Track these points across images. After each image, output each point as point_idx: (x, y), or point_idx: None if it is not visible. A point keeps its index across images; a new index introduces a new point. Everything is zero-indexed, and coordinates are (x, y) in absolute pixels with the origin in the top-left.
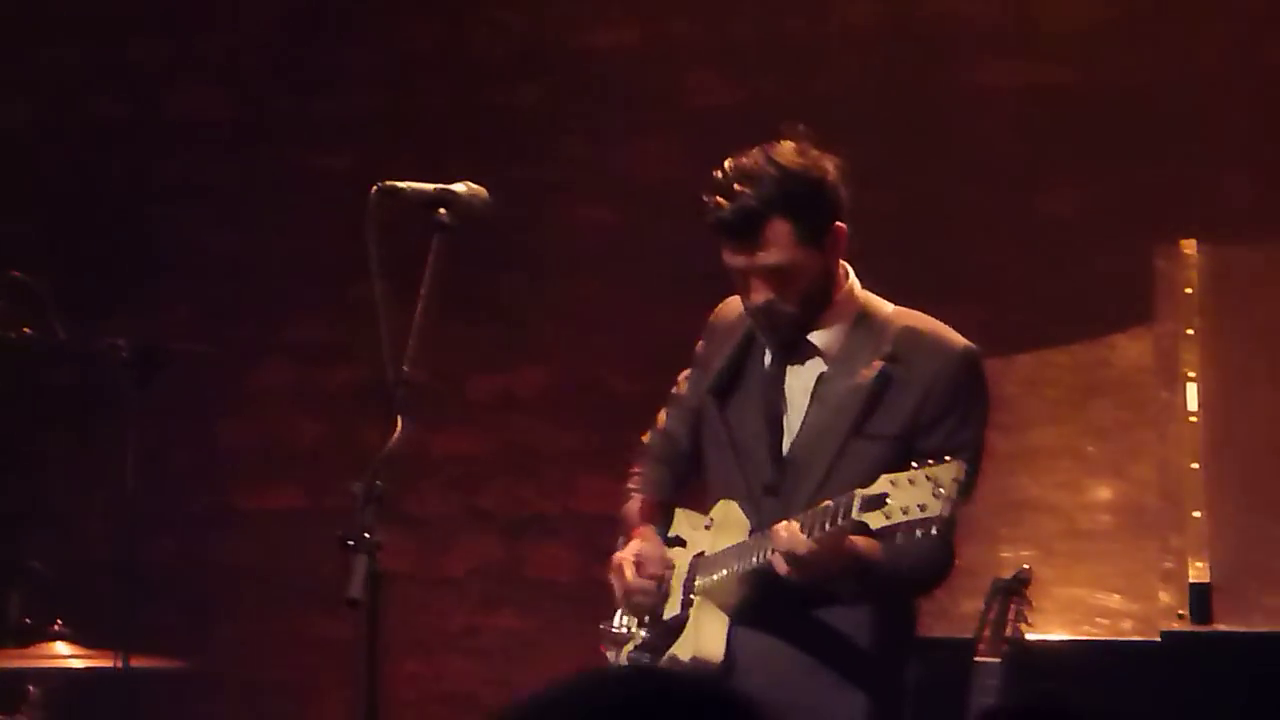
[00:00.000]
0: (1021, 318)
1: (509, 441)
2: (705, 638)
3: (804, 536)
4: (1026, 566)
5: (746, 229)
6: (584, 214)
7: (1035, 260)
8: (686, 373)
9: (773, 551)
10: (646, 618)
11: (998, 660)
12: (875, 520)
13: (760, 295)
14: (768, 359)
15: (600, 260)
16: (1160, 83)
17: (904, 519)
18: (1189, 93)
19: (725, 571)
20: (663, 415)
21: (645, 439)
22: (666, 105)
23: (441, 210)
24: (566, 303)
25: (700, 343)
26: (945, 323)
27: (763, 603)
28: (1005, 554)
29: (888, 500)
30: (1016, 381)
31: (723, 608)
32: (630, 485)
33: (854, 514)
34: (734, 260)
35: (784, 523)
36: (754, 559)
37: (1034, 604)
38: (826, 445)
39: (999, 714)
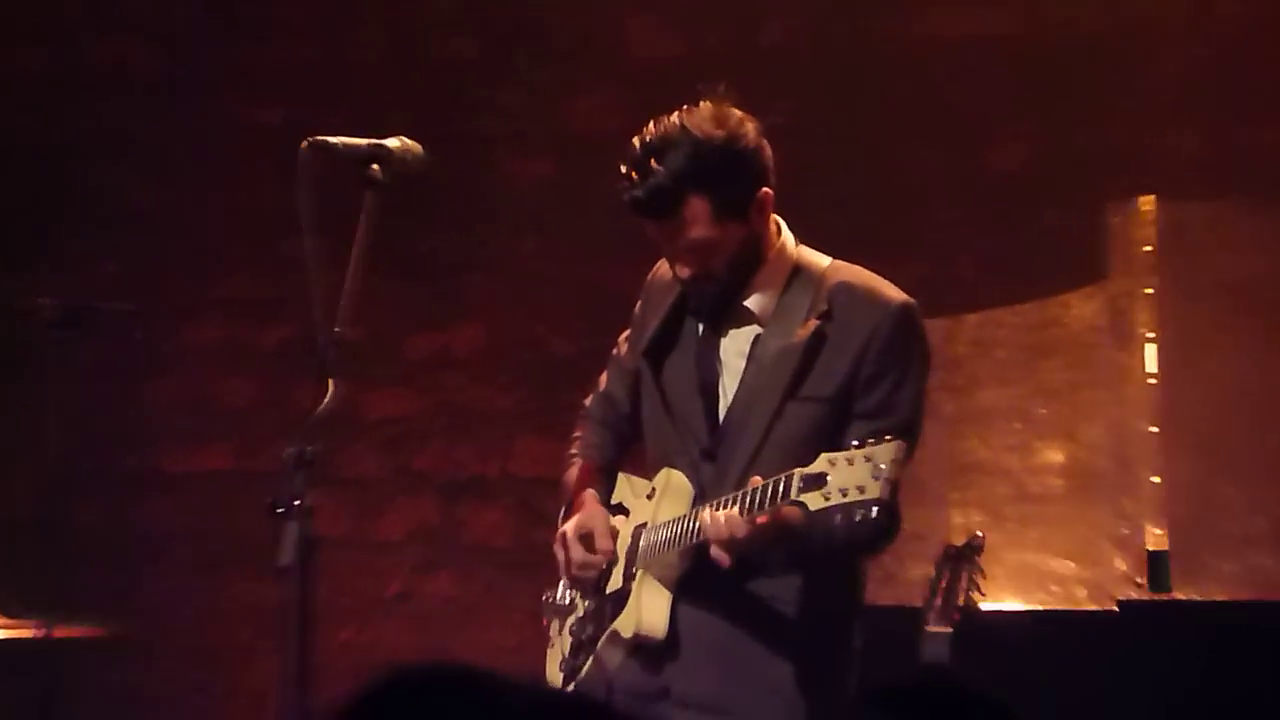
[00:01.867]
0: (970, 275)
1: (445, 402)
2: (648, 612)
3: (741, 521)
4: (979, 534)
5: (661, 208)
6: (523, 168)
7: (984, 216)
8: (626, 333)
9: (704, 539)
10: (590, 590)
11: (948, 630)
12: (814, 501)
13: (684, 270)
14: (700, 325)
15: (539, 215)
16: (1112, 34)
17: (842, 500)
18: (1142, 43)
19: (667, 545)
20: (604, 377)
21: (586, 402)
22: (607, 57)
23: (374, 166)
24: (505, 259)
25: (638, 304)
26: (890, 280)
27: (704, 576)
28: (956, 519)
29: (827, 480)
30: (965, 341)
31: (665, 582)
32: (571, 450)
33: (793, 494)
34: (655, 235)
35: (717, 511)
36: (696, 534)
37: (985, 571)
38: (762, 409)
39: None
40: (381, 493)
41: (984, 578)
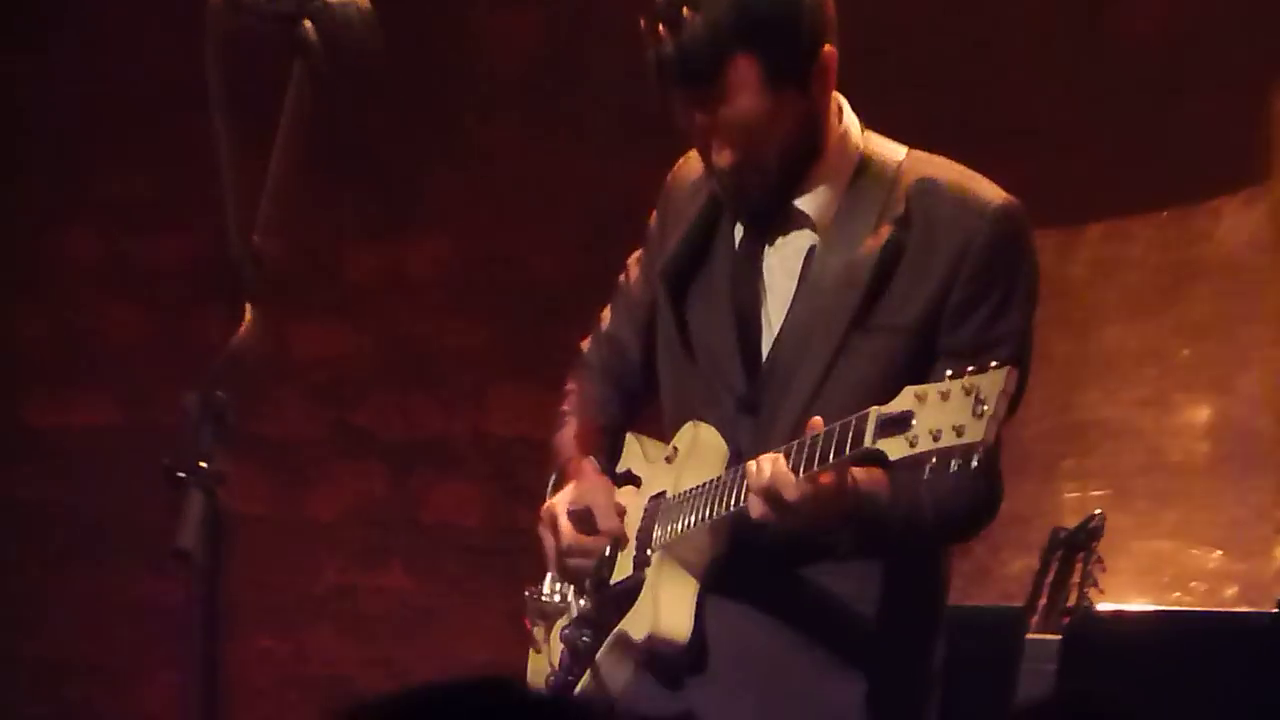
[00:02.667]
0: (1091, 174)
1: (396, 338)
2: (667, 609)
3: (790, 474)
4: (1098, 512)
5: (700, 73)
6: (497, 28)
7: (1110, 95)
8: (637, 255)
9: (747, 491)
10: (587, 583)
11: (1057, 638)
12: (895, 448)
13: (725, 156)
14: (739, 233)
15: (519, 93)
16: None
17: (934, 446)
18: None
19: (694, 519)
20: (606, 314)
21: (583, 347)
22: None
23: (306, 24)
24: (476, 151)
25: (654, 214)
26: (982, 175)
27: (744, 562)
28: (1069, 494)
29: (913, 421)
30: (1084, 261)
31: (690, 569)
32: (564, 407)
33: (867, 441)
34: (687, 114)
35: (765, 455)
36: (732, 501)
37: (1106, 563)
38: (820, 343)
39: (1039, 714)
40: (313, 457)
41: (1103, 571)
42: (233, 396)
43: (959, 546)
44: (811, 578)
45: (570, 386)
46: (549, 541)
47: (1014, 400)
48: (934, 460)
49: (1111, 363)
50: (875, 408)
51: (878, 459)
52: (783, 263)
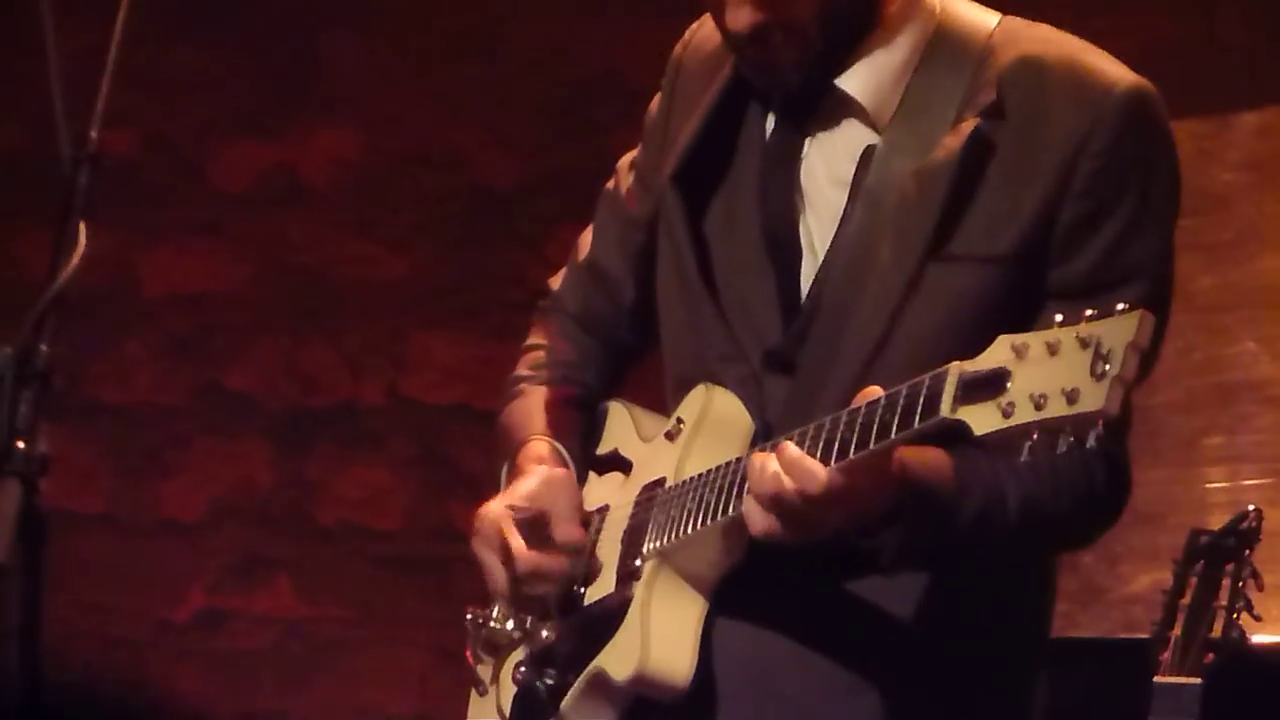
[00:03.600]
0: (1243, 42)
1: (286, 267)
2: (660, 640)
3: (813, 467)
4: (1251, 509)
5: None
6: None
7: None
8: (631, 156)
9: (748, 490)
10: (552, 604)
11: (1197, 681)
12: (983, 419)
13: (744, 14)
14: (769, 124)
15: None
16: None
17: (1036, 416)
18: None
19: (701, 517)
20: (586, 237)
21: (553, 284)
22: None
23: None
24: (387, 9)
25: (657, 99)
26: (1107, 53)
27: (766, 574)
28: (1213, 484)
29: (1009, 384)
30: (1235, 163)
31: (694, 584)
32: (520, 370)
33: (944, 409)
34: None
35: (770, 450)
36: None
37: (1264, 579)
38: (882, 278)
39: None
40: (172, 433)
41: (1260, 589)
42: (61, 349)
43: (1063, 558)
44: (860, 595)
45: (532, 340)
46: (489, 562)
47: (1149, 356)
48: (1034, 437)
49: (1271, 300)
50: (957, 363)
51: (960, 432)
52: (827, 163)
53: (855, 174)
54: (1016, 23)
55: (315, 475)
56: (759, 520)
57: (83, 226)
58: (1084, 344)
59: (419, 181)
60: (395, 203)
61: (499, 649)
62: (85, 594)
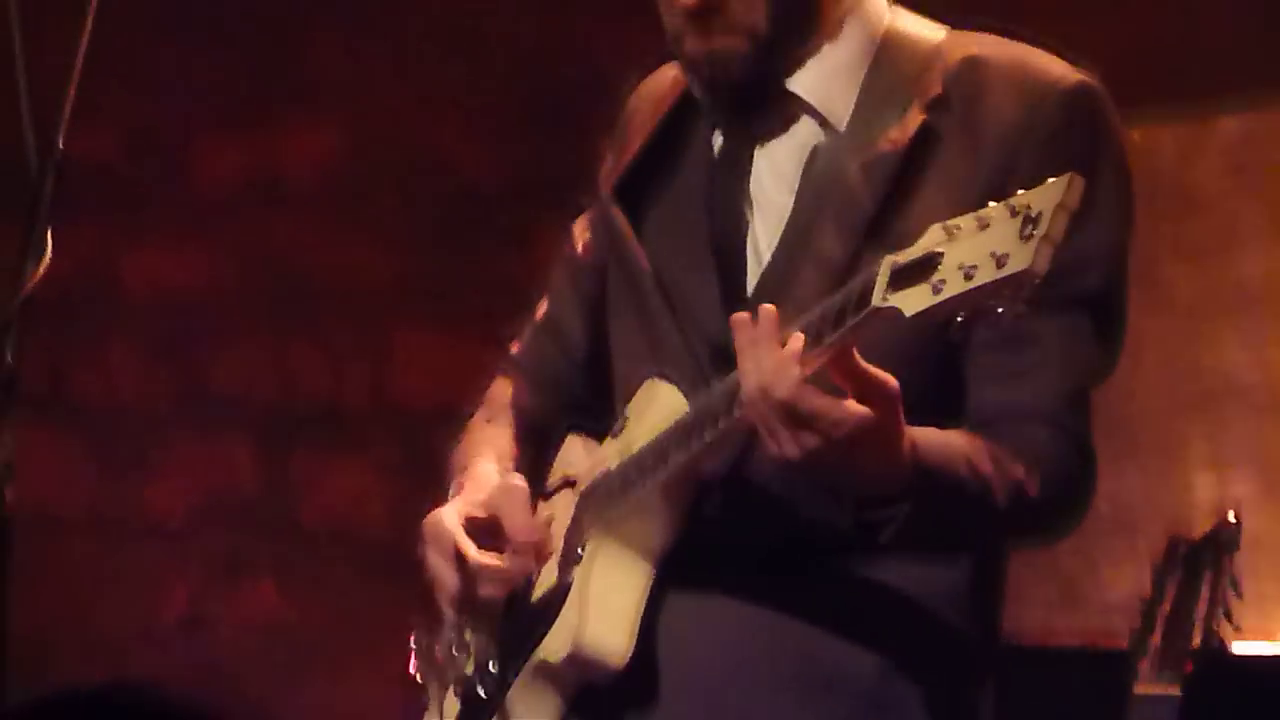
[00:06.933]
0: (1226, 45)
1: (270, 266)
2: (599, 610)
3: (796, 356)
4: (1233, 517)
5: None
6: None
7: None
8: (584, 218)
9: (738, 401)
10: (497, 612)
11: (1175, 692)
12: (915, 301)
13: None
14: (718, 139)
15: None
16: None
17: (966, 287)
18: None
19: (646, 482)
20: (543, 300)
21: (512, 349)
22: None
23: None
24: (370, 7)
25: (607, 157)
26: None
27: (717, 537)
28: (1195, 489)
29: (940, 261)
30: (1213, 168)
31: (637, 551)
32: (475, 419)
33: (876, 298)
34: None
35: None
36: (704, 434)
37: (1244, 586)
38: (821, 262)
39: None
40: (150, 434)
41: (1239, 597)
42: (29, 350)
43: (1041, 560)
44: (820, 568)
45: (488, 394)
46: (438, 566)
47: (1106, 359)
48: (967, 307)
49: (1253, 304)
50: (890, 256)
51: (894, 320)
52: (775, 168)
53: (802, 175)
54: (965, 34)
55: (299, 477)
56: (757, 404)
57: (49, 228)
58: (1013, 212)
59: (403, 182)
60: (379, 204)
61: (446, 662)
62: (67, 598)
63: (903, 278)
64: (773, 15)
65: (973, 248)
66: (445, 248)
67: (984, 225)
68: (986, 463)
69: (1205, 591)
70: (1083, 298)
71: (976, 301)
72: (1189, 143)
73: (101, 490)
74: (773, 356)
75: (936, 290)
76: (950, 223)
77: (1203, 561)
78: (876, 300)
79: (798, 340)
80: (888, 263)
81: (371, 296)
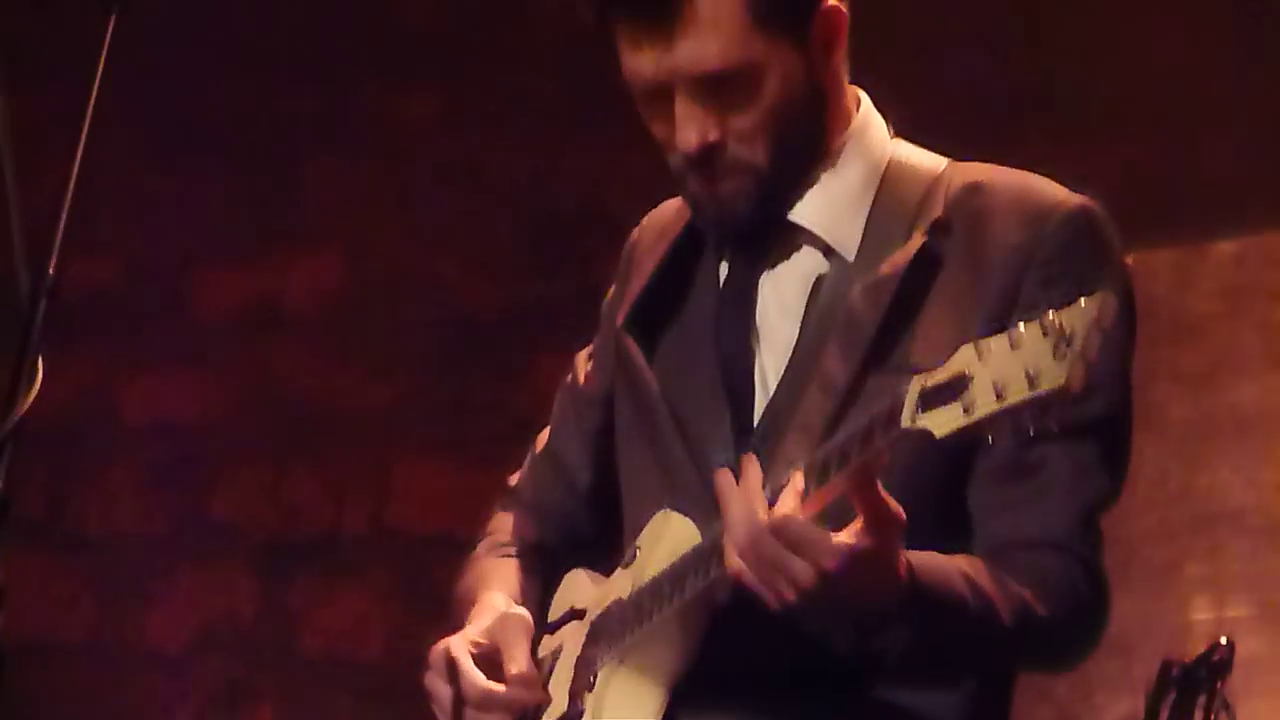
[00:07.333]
0: (1219, 169)
1: (270, 394)
2: None
3: (790, 495)
4: (1226, 642)
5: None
6: None
7: (1248, 65)
8: (587, 351)
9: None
10: None
11: None
12: (946, 421)
13: (691, 131)
14: (724, 269)
15: (437, 53)
16: None
17: (998, 406)
18: None
19: (658, 610)
20: (544, 432)
21: (511, 481)
22: None
23: None
24: (381, 132)
25: (611, 289)
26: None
27: (726, 662)
28: (1196, 613)
29: (970, 382)
30: (1209, 292)
31: (652, 678)
32: (478, 552)
33: (905, 419)
34: (638, 63)
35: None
36: (712, 571)
37: (1236, 710)
38: (824, 386)
39: None
40: (152, 562)
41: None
42: (26, 479)
43: (1036, 683)
44: (834, 699)
45: (489, 527)
46: (440, 693)
47: (1113, 484)
48: (998, 428)
49: (1247, 430)
50: (919, 375)
51: (924, 441)
52: (780, 298)
53: (807, 302)
54: (966, 163)
55: (298, 605)
56: (731, 555)
57: (40, 358)
58: (1045, 331)
59: (401, 310)
60: (377, 331)
61: None
62: None
63: (932, 398)
64: (773, 152)
65: (1004, 367)
66: (443, 376)
67: (1015, 345)
68: (989, 583)
69: (1199, 715)
70: (1089, 423)
71: (1008, 421)
72: (1184, 268)
73: (101, 618)
74: (749, 517)
75: (967, 411)
76: (981, 342)
77: (1196, 685)
78: (906, 422)
79: (797, 481)
80: (917, 383)
81: (370, 424)
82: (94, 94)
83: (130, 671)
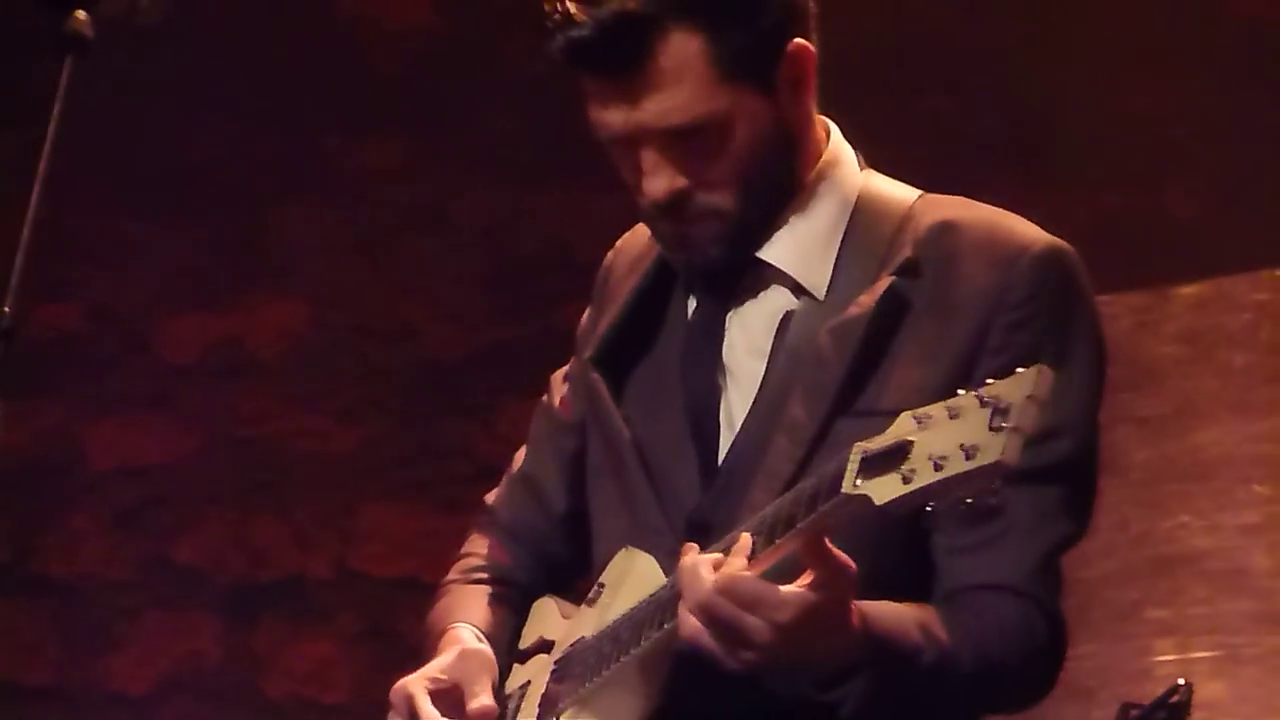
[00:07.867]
0: (1184, 218)
1: (235, 440)
2: None
3: (736, 560)
4: (1181, 682)
5: (622, 54)
6: (372, 12)
7: (1213, 109)
8: (563, 370)
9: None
10: None
11: None
12: (886, 490)
13: (660, 180)
14: (692, 303)
15: (403, 100)
16: None
17: (936, 477)
18: None
19: (619, 656)
20: (521, 452)
21: (488, 500)
22: None
23: (79, 15)
24: (347, 178)
25: (587, 311)
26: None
27: (688, 709)
28: (1156, 656)
29: (910, 450)
30: (1174, 336)
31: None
32: (450, 576)
33: (846, 485)
34: (605, 117)
35: (704, 555)
36: (666, 624)
37: None
38: (791, 431)
39: None
40: (120, 605)
41: None
42: (5, 524)
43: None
44: None
45: (465, 549)
46: None
47: (1077, 527)
48: (936, 498)
49: (1209, 475)
50: (860, 443)
51: (864, 508)
52: (747, 335)
53: (774, 340)
54: (937, 197)
55: (263, 649)
56: (687, 623)
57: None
58: (982, 402)
59: (367, 354)
60: (343, 375)
61: None
62: None
63: (873, 465)
64: (742, 197)
65: (943, 437)
66: (408, 421)
67: (954, 415)
68: (942, 630)
69: None
70: (1054, 466)
71: (946, 492)
72: (1146, 311)
73: (65, 661)
74: (698, 584)
75: (906, 480)
76: (920, 411)
77: None
78: (847, 488)
79: (745, 542)
80: (858, 450)
81: (335, 468)
82: (49, 136)
83: (95, 715)
